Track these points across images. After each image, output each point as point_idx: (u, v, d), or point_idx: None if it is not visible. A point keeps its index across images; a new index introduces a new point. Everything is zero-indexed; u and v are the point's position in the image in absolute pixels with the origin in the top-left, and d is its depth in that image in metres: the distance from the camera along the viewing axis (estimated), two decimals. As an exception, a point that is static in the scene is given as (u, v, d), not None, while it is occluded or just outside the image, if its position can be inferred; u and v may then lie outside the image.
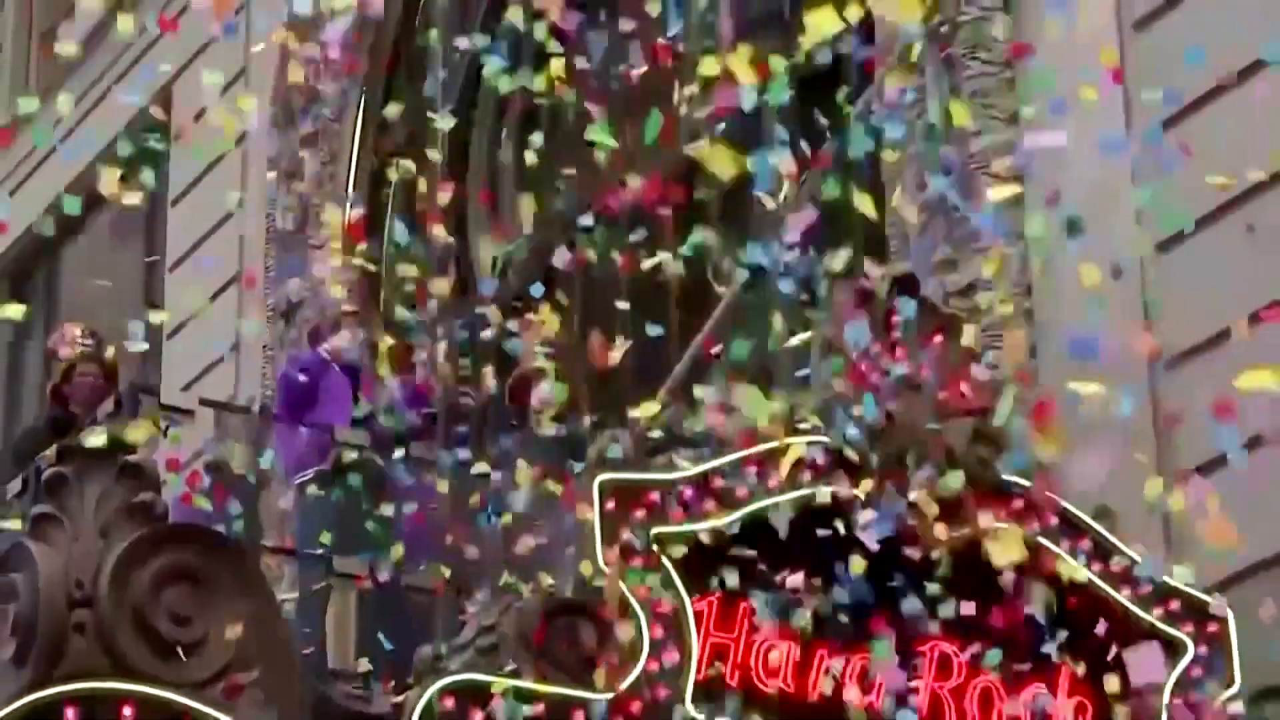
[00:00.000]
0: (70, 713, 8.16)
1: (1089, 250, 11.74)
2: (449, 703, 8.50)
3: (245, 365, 17.58)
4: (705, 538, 9.36)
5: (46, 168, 22.12)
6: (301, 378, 12.60)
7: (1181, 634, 10.09)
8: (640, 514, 9.23)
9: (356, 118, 18.29)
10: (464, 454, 11.52)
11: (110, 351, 12.90)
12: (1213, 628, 10.17)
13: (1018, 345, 11.33)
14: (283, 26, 17.97)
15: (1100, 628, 9.96)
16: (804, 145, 11.69)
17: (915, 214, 12.78)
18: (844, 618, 9.49)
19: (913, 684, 9.65)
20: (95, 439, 9.09)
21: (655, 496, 9.31)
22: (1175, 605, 10.17)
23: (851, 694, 9.39)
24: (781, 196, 12.72)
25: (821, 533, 9.50)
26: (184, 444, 11.72)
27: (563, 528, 9.51)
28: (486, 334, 12.25)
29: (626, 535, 9.12)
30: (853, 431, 9.75)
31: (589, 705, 8.77)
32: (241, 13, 19.51)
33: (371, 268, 16.57)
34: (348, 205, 17.94)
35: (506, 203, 17.17)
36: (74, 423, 11.80)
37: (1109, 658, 9.99)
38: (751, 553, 9.38)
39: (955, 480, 9.76)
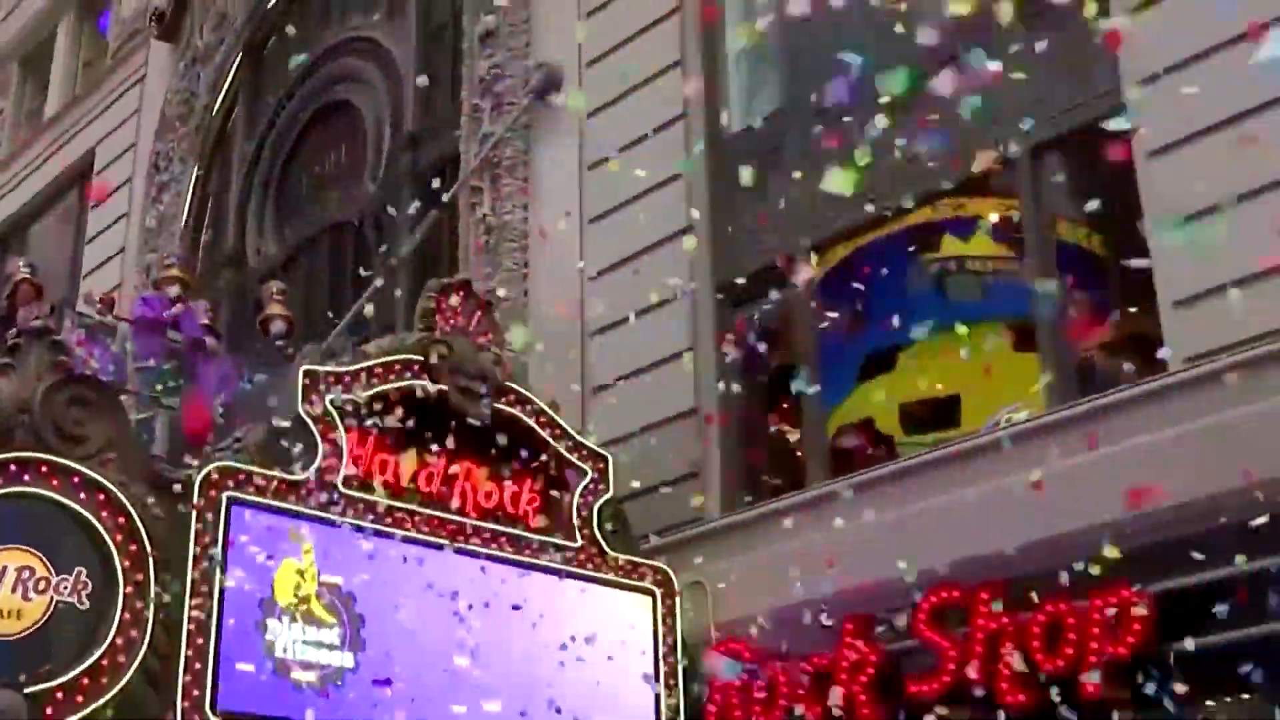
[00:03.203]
0: (12, 467, 7.88)
1: (557, 271, 11.97)
2: (214, 475, 8.35)
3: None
4: (356, 400, 9.26)
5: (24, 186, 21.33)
6: (148, 308, 12.23)
7: (585, 465, 10.19)
8: (324, 387, 9.13)
9: (191, 176, 17.77)
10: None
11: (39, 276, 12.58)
12: (601, 465, 10.28)
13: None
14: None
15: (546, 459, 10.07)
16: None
17: (476, 253, 12.89)
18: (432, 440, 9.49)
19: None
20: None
21: (331, 379, 9.19)
22: (584, 451, 10.26)
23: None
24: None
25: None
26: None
27: (283, 390, 9.36)
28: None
29: (315, 396, 9.05)
30: (435, 357, 9.73)
31: (292, 483, 8.67)
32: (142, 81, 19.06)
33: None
34: (183, 221, 17.47)
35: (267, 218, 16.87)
36: (16, 317, 11.37)
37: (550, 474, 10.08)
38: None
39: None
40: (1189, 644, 7.80)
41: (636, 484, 10.32)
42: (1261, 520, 7.41)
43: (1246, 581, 7.60)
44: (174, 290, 12.33)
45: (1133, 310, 8.89)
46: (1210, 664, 7.69)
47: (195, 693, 7.83)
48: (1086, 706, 8.11)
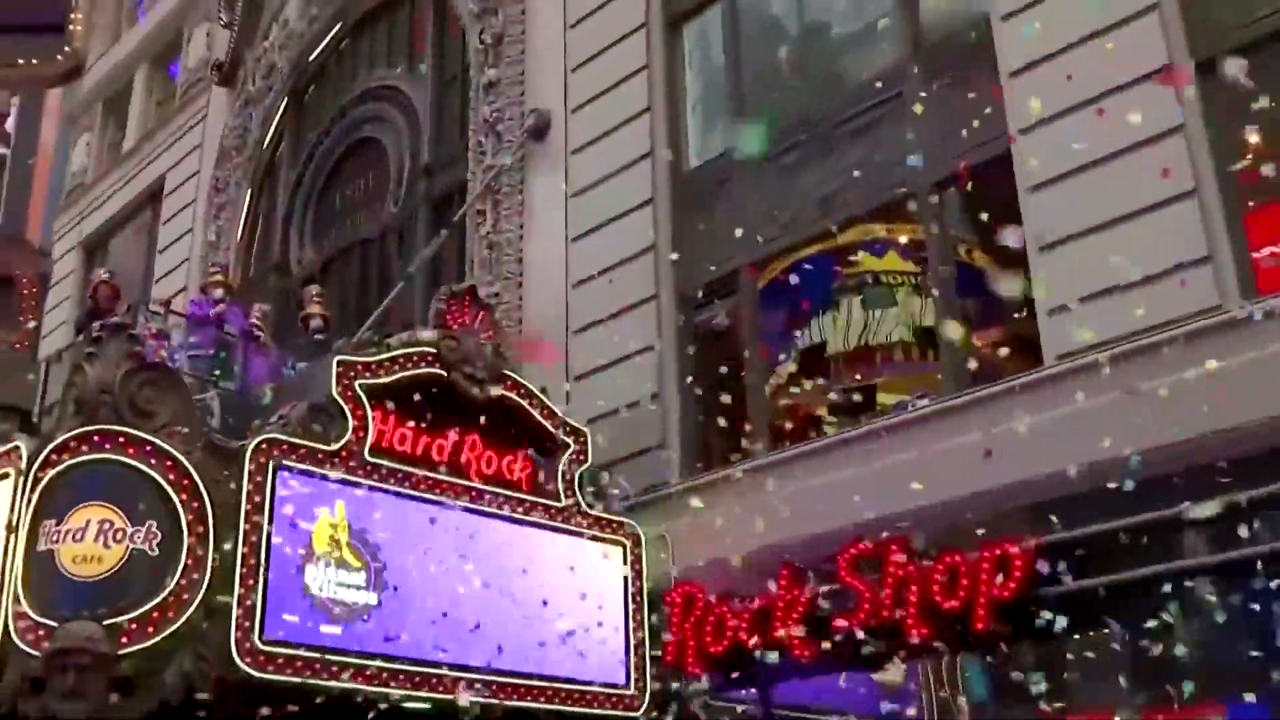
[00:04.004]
0: (96, 438, 7.84)
1: (544, 284, 11.93)
2: (263, 445, 8.28)
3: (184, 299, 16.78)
4: (380, 385, 9.17)
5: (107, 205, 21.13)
6: (197, 308, 12.11)
7: (568, 439, 10.11)
8: (353, 374, 9.07)
9: (244, 198, 17.69)
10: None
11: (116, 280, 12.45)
12: (581, 439, 10.17)
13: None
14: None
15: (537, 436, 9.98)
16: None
17: (479, 264, 12.83)
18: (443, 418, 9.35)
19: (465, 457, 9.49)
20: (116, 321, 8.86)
21: (360, 366, 9.13)
22: (567, 428, 10.16)
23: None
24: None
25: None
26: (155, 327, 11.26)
27: (320, 376, 9.29)
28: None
29: (346, 381, 8.99)
30: (446, 350, 9.55)
31: (327, 452, 8.60)
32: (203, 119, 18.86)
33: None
34: (238, 235, 17.41)
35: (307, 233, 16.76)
36: (99, 313, 11.25)
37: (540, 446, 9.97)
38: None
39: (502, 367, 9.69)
40: (1061, 588, 7.86)
41: (611, 454, 10.31)
42: (1121, 486, 7.46)
43: (1110, 537, 7.68)
44: (218, 293, 12.23)
45: (1015, 316, 8.93)
46: (1079, 605, 7.75)
47: (246, 625, 7.81)
48: (978, 639, 8.17)
